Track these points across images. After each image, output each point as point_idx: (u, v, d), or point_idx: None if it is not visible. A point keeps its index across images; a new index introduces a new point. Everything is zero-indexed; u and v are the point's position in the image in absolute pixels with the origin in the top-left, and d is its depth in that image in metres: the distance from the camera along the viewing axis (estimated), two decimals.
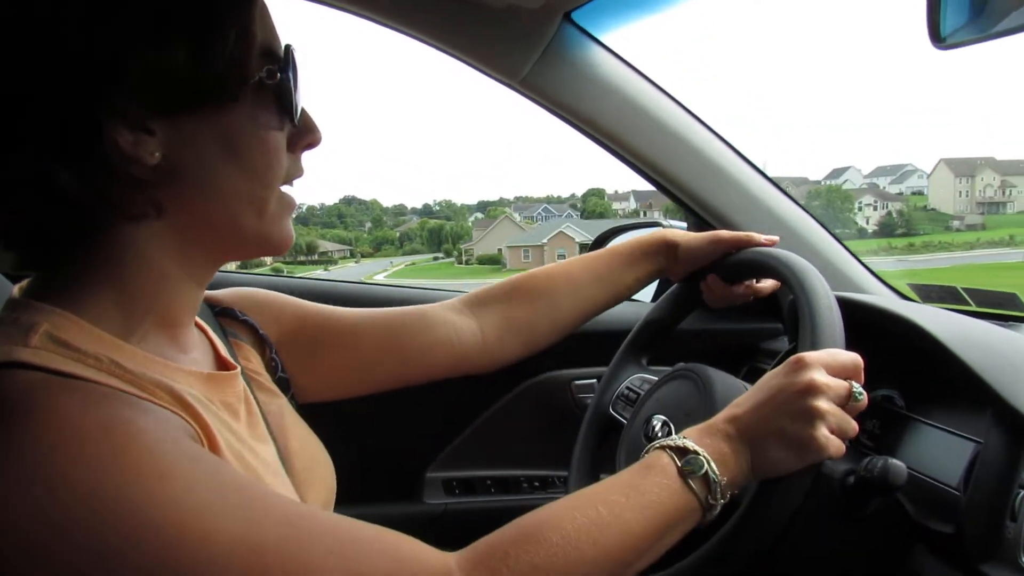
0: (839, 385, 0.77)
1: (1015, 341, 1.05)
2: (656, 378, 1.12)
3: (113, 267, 0.64)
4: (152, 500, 0.52)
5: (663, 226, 1.70)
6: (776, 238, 1.11)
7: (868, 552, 0.92)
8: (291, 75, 0.68)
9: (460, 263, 67.15)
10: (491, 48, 1.31)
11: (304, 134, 0.72)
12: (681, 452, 0.73)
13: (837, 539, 0.90)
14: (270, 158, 0.68)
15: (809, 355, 0.79)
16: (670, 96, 1.40)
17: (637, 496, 0.70)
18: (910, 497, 0.92)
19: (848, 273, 1.47)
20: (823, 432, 0.75)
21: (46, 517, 0.50)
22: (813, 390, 0.76)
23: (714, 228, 1.42)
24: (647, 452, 0.76)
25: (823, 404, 0.75)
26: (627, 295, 1.13)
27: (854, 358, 0.80)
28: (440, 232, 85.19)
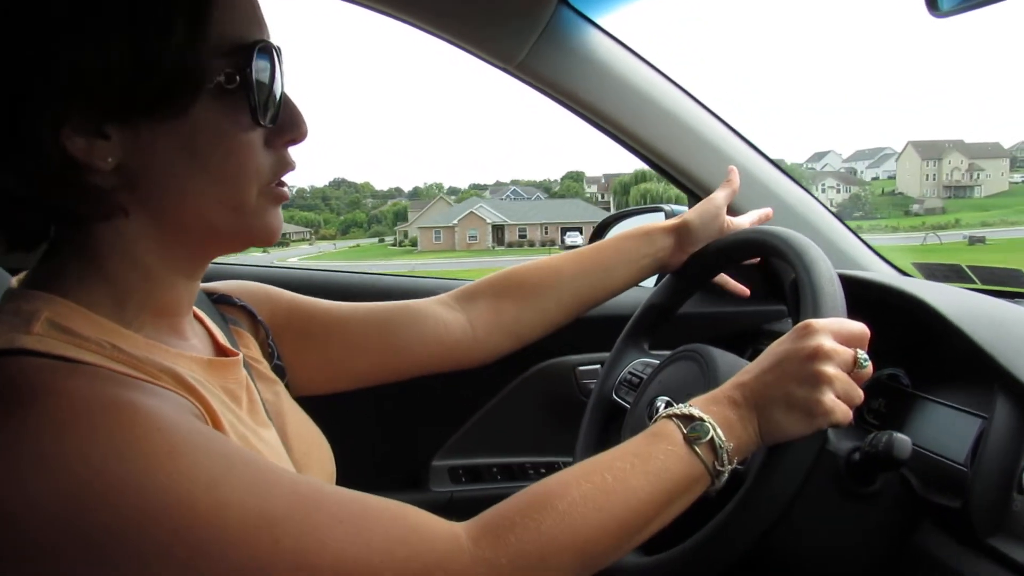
0: (845, 352, 0.77)
1: (1020, 316, 1.05)
2: (658, 362, 1.11)
3: (100, 261, 0.64)
4: (164, 475, 0.52)
5: (665, 211, 1.70)
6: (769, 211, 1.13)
7: (875, 528, 0.92)
8: (259, 74, 0.64)
9: (396, 245, 67.05)
10: (487, 33, 1.30)
11: (285, 130, 0.69)
12: (687, 419, 0.74)
13: (844, 516, 0.89)
14: (239, 160, 0.65)
15: (816, 321, 0.79)
16: (667, 77, 1.39)
17: (643, 463, 0.70)
18: (916, 474, 0.92)
19: (850, 252, 1.46)
20: (830, 396, 0.75)
21: (63, 494, 0.50)
22: (820, 355, 0.75)
23: None
24: (654, 422, 0.76)
25: (830, 369, 0.75)
26: (619, 291, 1.12)
27: (860, 326, 0.80)
28: (406, 214, 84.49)
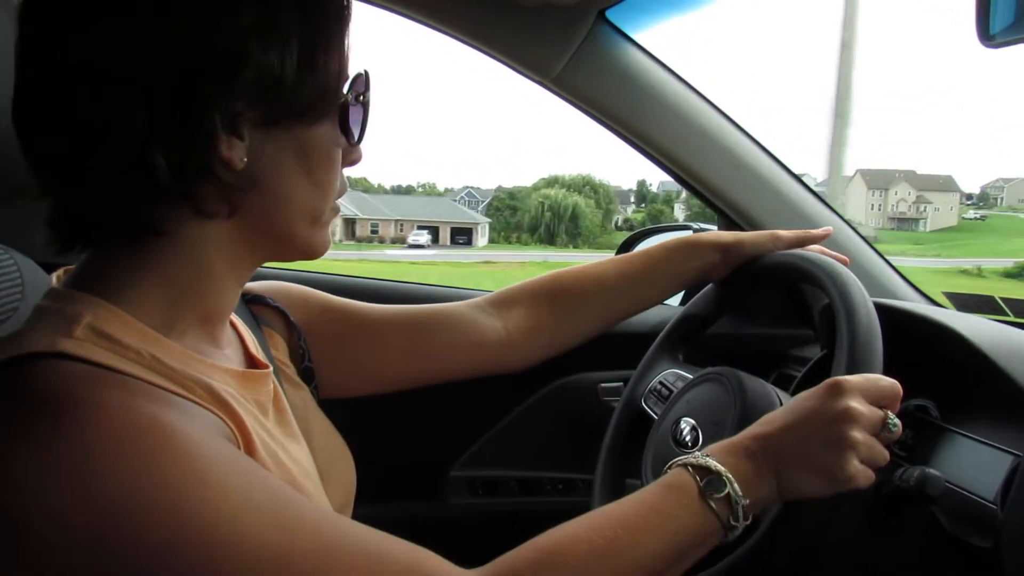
0: (874, 414, 0.75)
1: None
2: (690, 376, 1.10)
3: (168, 261, 0.65)
4: (192, 501, 0.52)
5: (693, 229, 1.69)
6: (830, 229, 1.10)
7: (900, 563, 0.90)
8: (368, 99, 0.71)
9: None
10: (524, 46, 1.30)
11: (351, 153, 0.74)
12: (703, 471, 0.72)
13: (869, 549, 0.88)
14: (334, 174, 0.71)
15: (847, 380, 0.76)
16: (702, 96, 1.39)
17: (657, 518, 0.69)
18: (944, 509, 0.90)
19: (882, 280, 1.44)
20: (854, 463, 0.73)
21: (87, 512, 0.50)
22: (848, 418, 0.73)
23: (743, 230, 1.40)
24: (669, 468, 0.75)
25: (857, 434, 0.73)
26: (658, 300, 1.12)
27: (892, 385, 0.78)
28: None
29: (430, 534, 0.64)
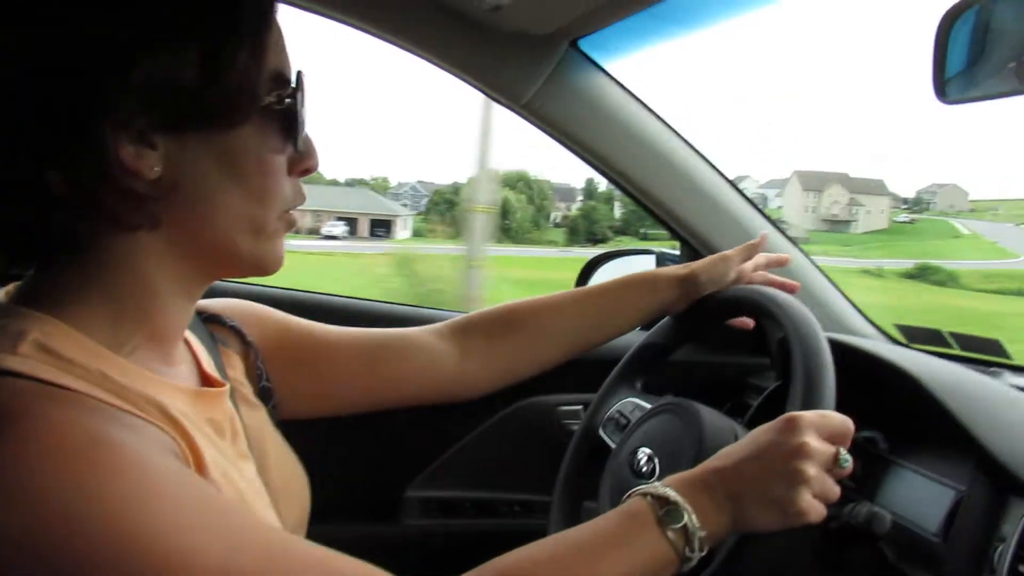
0: (827, 450, 0.77)
1: (999, 391, 1.06)
2: (648, 405, 1.12)
3: (106, 276, 0.64)
4: (136, 516, 0.51)
5: (656, 254, 1.71)
6: (765, 234, 1.16)
7: None
8: (300, 101, 0.68)
9: None
10: (496, 71, 1.32)
11: (303, 159, 0.72)
12: (662, 501, 0.73)
13: None
14: (271, 181, 0.68)
15: (802, 417, 0.77)
16: (670, 127, 1.41)
17: (614, 546, 0.70)
18: (890, 543, 0.92)
19: (837, 312, 1.48)
20: (807, 497, 0.74)
21: (29, 530, 0.49)
22: (802, 454, 0.75)
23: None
24: (628, 497, 0.76)
25: (810, 469, 0.75)
26: (616, 335, 1.13)
27: (845, 422, 0.80)
28: None
29: (386, 555, 0.64)
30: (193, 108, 0.61)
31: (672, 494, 0.73)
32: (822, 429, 0.77)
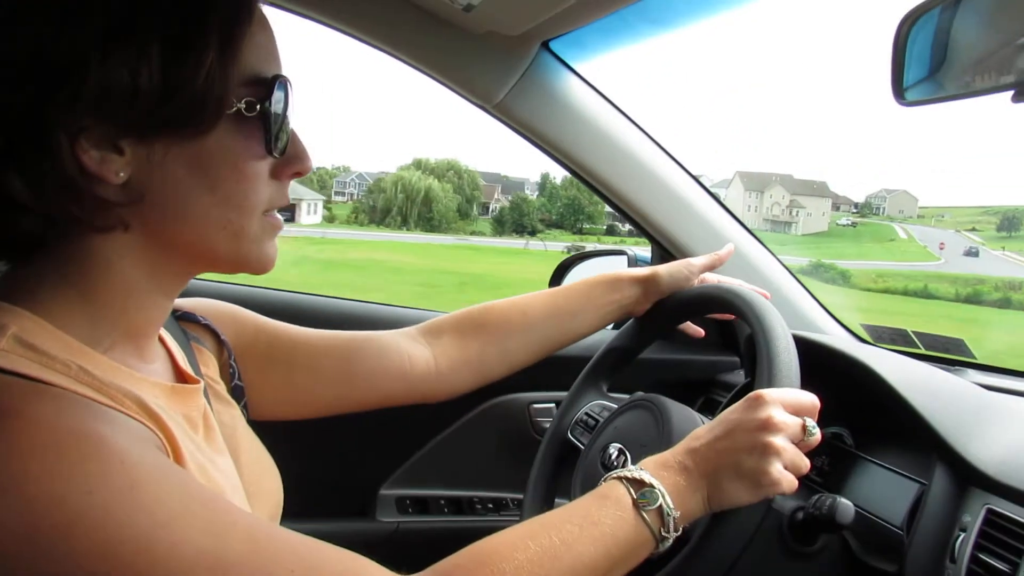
0: (794, 422, 0.79)
1: (963, 388, 1.09)
2: (615, 406, 1.13)
3: (81, 275, 0.63)
4: (123, 508, 0.51)
5: (628, 256, 1.73)
6: (731, 247, 1.19)
7: None
8: (275, 106, 0.66)
9: None
10: (468, 72, 1.33)
11: (291, 163, 0.70)
12: (637, 484, 0.74)
13: (784, 573, 0.91)
14: (247, 187, 0.66)
15: (768, 392, 0.80)
16: (641, 129, 1.43)
17: (591, 527, 0.71)
18: (855, 534, 0.94)
19: (804, 311, 1.51)
20: (777, 467, 0.76)
21: (16, 524, 0.49)
22: (770, 427, 0.77)
23: (676, 258, 1.44)
24: (604, 481, 0.77)
25: (779, 441, 0.77)
26: (583, 335, 1.13)
27: (810, 397, 0.82)
28: None
29: (359, 552, 0.64)
30: (156, 115, 0.59)
31: (647, 476, 0.74)
32: (788, 403, 0.80)
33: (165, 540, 0.52)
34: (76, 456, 0.52)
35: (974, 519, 0.86)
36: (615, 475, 0.76)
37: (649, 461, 0.78)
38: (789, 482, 0.77)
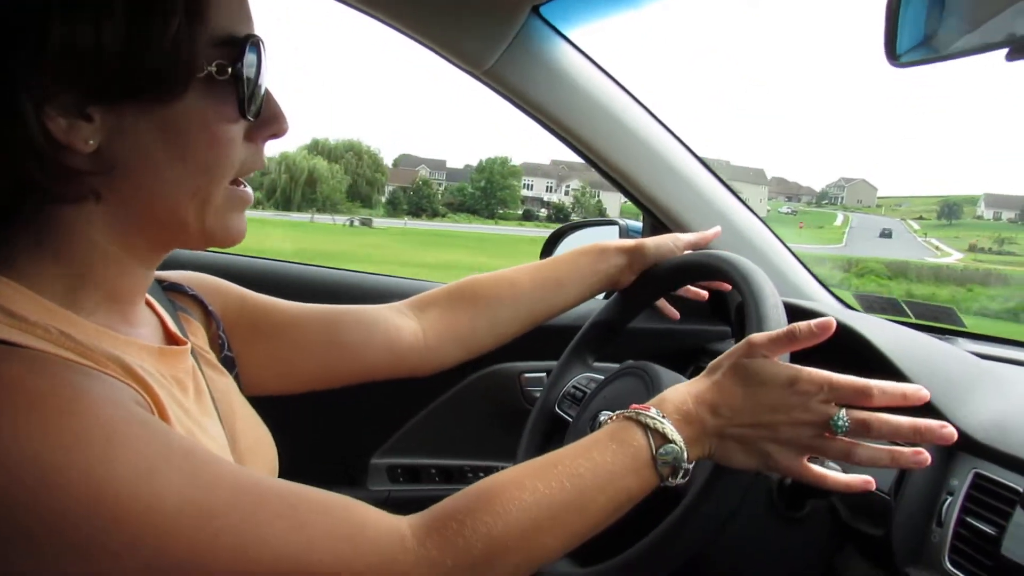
0: (820, 416, 0.74)
1: (952, 354, 1.09)
2: (603, 377, 1.13)
3: (57, 243, 0.62)
4: (101, 461, 0.51)
5: (620, 225, 1.72)
6: (718, 229, 1.18)
7: (800, 552, 0.94)
8: (247, 68, 0.64)
9: None
10: (457, 37, 1.31)
11: (267, 125, 0.69)
12: (659, 436, 0.73)
13: (772, 538, 0.92)
14: (219, 152, 0.64)
15: (810, 383, 0.75)
16: (631, 95, 1.41)
17: (605, 476, 0.70)
18: (843, 500, 0.95)
19: (794, 280, 1.50)
20: (792, 460, 0.75)
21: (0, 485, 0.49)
22: (802, 422, 0.74)
23: (668, 228, 1.44)
24: (617, 417, 0.76)
25: (805, 438, 0.74)
26: (571, 305, 1.13)
27: (852, 386, 0.75)
28: None
29: None
30: (123, 79, 0.58)
31: (671, 431, 0.73)
32: (825, 394, 0.75)
33: (146, 491, 0.52)
34: (49, 412, 0.51)
35: (961, 483, 0.87)
36: (635, 417, 0.75)
37: (670, 406, 0.76)
38: (798, 473, 0.76)
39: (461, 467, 1.60)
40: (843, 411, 0.74)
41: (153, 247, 0.68)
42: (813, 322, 0.78)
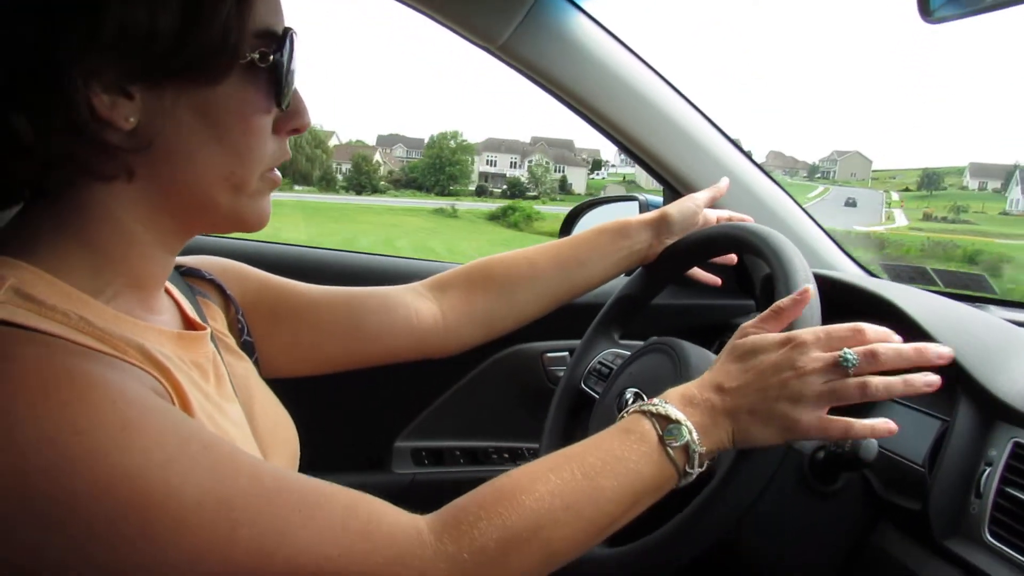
0: (829, 360, 0.74)
1: (985, 321, 1.07)
2: (628, 353, 1.11)
3: (82, 224, 0.62)
4: (115, 448, 0.51)
5: (640, 201, 1.69)
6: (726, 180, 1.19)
7: (834, 526, 0.93)
8: (286, 59, 0.66)
9: None
10: (471, 12, 1.28)
11: (291, 118, 0.70)
12: (663, 420, 0.73)
13: (804, 513, 0.91)
14: (253, 139, 0.66)
15: (800, 335, 0.76)
16: (649, 66, 1.38)
17: (615, 462, 0.69)
18: (876, 473, 0.93)
19: (820, 250, 1.48)
20: (809, 414, 0.73)
21: (7, 466, 0.49)
22: (805, 372, 0.74)
23: None
24: (627, 414, 0.76)
25: (814, 386, 0.73)
26: (594, 285, 1.11)
27: (845, 328, 0.77)
28: None
29: None
30: (171, 60, 0.59)
31: (674, 412, 0.73)
32: (822, 342, 0.75)
33: (161, 481, 0.51)
34: (65, 396, 0.51)
35: (1000, 453, 0.85)
36: (638, 408, 0.75)
37: (674, 394, 0.76)
38: (820, 428, 0.74)
39: (485, 448, 1.60)
40: (847, 350, 0.75)
41: (179, 229, 0.69)
42: (793, 294, 0.81)
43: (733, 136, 1.46)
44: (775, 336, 0.78)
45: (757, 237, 0.96)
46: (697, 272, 1.20)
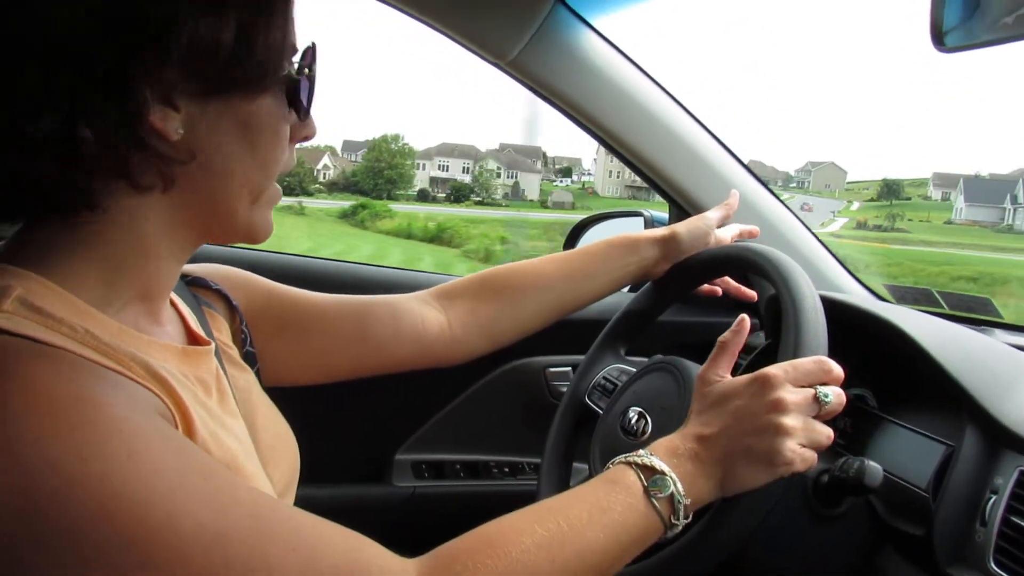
0: (804, 397, 0.76)
1: (991, 346, 1.06)
2: (634, 369, 1.11)
3: (105, 236, 0.63)
4: (119, 476, 0.50)
5: (645, 216, 1.70)
6: (736, 193, 1.18)
7: (837, 551, 0.92)
8: (314, 71, 0.69)
9: None
10: (481, 28, 1.28)
11: (303, 128, 0.72)
12: (648, 471, 0.73)
13: (807, 537, 0.90)
14: (278, 151, 0.68)
15: (769, 373, 0.77)
16: (658, 84, 1.39)
17: (600, 514, 0.69)
18: (880, 498, 0.92)
19: (825, 271, 1.48)
20: (790, 447, 0.74)
21: (12, 486, 0.48)
22: (779, 407, 0.75)
23: None
24: (612, 464, 0.76)
25: (789, 421, 0.74)
26: (598, 297, 1.12)
27: (815, 363, 0.79)
28: None
29: (375, 516, 0.63)
30: (225, 75, 0.62)
31: (658, 463, 0.73)
32: (794, 379, 0.77)
33: (162, 511, 0.51)
34: (73, 421, 0.51)
35: (1006, 481, 0.84)
36: (624, 460, 0.75)
37: (659, 446, 0.77)
38: (804, 459, 0.75)
39: (486, 462, 1.59)
40: (822, 387, 0.77)
41: (194, 240, 0.70)
42: (733, 326, 0.85)
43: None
44: (741, 379, 0.79)
45: (767, 261, 0.97)
46: (727, 283, 1.20)
